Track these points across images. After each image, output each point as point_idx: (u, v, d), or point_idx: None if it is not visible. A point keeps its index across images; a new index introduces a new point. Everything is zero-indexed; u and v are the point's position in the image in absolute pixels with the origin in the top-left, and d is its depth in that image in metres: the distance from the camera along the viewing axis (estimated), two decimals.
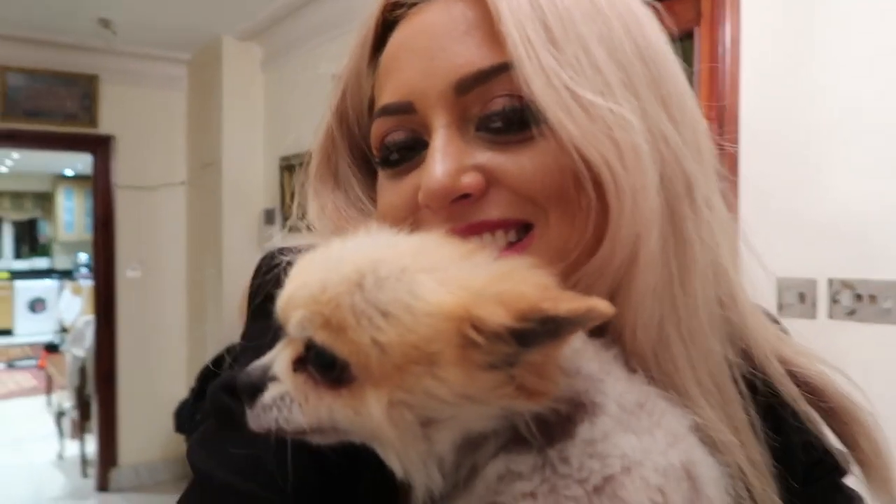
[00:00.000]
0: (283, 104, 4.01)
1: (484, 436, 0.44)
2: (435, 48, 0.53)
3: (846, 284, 1.64)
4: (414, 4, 0.57)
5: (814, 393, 0.58)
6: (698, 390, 0.51)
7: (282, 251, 0.59)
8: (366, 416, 0.41)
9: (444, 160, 0.52)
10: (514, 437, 0.44)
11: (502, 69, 0.51)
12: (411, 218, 0.55)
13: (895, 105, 1.53)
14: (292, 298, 0.45)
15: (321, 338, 0.42)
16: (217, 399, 0.54)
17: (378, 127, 0.57)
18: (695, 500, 0.43)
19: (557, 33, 0.49)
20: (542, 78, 0.49)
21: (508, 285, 0.41)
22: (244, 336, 0.60)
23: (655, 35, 0.54)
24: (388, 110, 0.56)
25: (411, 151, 0.56)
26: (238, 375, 0.47)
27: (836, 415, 0.59)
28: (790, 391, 0.56)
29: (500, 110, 0.52)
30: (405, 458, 0.43)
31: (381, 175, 0.59)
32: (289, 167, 3.90)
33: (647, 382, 0.48)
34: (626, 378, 0.47)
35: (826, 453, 0.60)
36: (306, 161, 0.67)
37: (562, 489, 0.41)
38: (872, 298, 1.59)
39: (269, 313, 0.50)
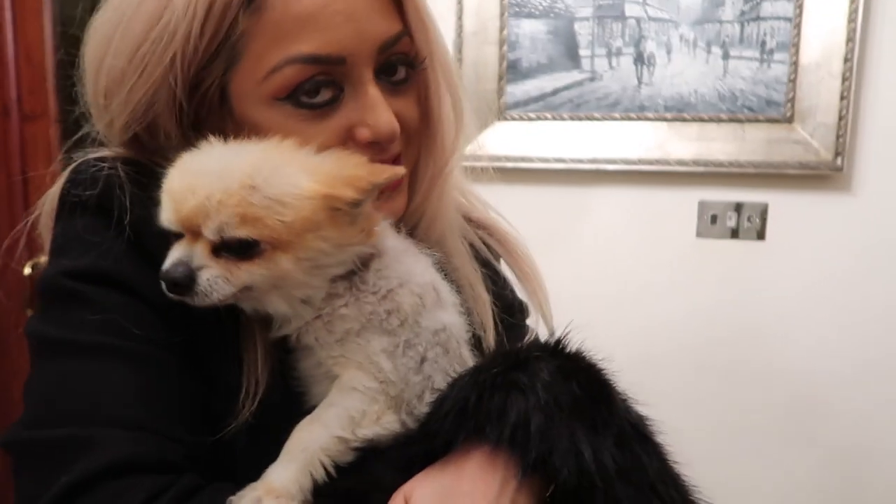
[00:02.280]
0: None
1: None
2: (360, 15, 0.65)
3: None
4: None
5: (487, 230, 0.88)
6: (451, 232, 0.82)
7: (100, 159, 0.67)
8: (278, 271, 0.62)
9: (388, 109, 0.68)
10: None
11: (403, 34, 0.69)
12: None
13: None
14: (200, 209, 0.60)
15: (242, 231, 0.59)
16: (59, 284, 0.63)
17: (298, 71, 0.65)
18: (438, 302, 0.69)
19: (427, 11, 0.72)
20: (434, 45, 0.71)
21: (347, 169, 0.63)
22: (70, 231, 0.66)
23: None
24: (319, 60, 0.65)
25: (331, 96, 0.67)
26: (167, 274, 0.61)
27: (504, 245, 0.88)
28: (478, 244, 0.86)
29: (399, 64, 0.70)
30: (293, 298, 0.64)
31: (290, 115, 0.67)
32: None
33: (406, 238, 0.73)
34: (395, 236, 0.72)
35: (514, 296, 0.88)
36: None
37: (362, 298, 0.66)
38: None
39: (109, 213, 0.63)
